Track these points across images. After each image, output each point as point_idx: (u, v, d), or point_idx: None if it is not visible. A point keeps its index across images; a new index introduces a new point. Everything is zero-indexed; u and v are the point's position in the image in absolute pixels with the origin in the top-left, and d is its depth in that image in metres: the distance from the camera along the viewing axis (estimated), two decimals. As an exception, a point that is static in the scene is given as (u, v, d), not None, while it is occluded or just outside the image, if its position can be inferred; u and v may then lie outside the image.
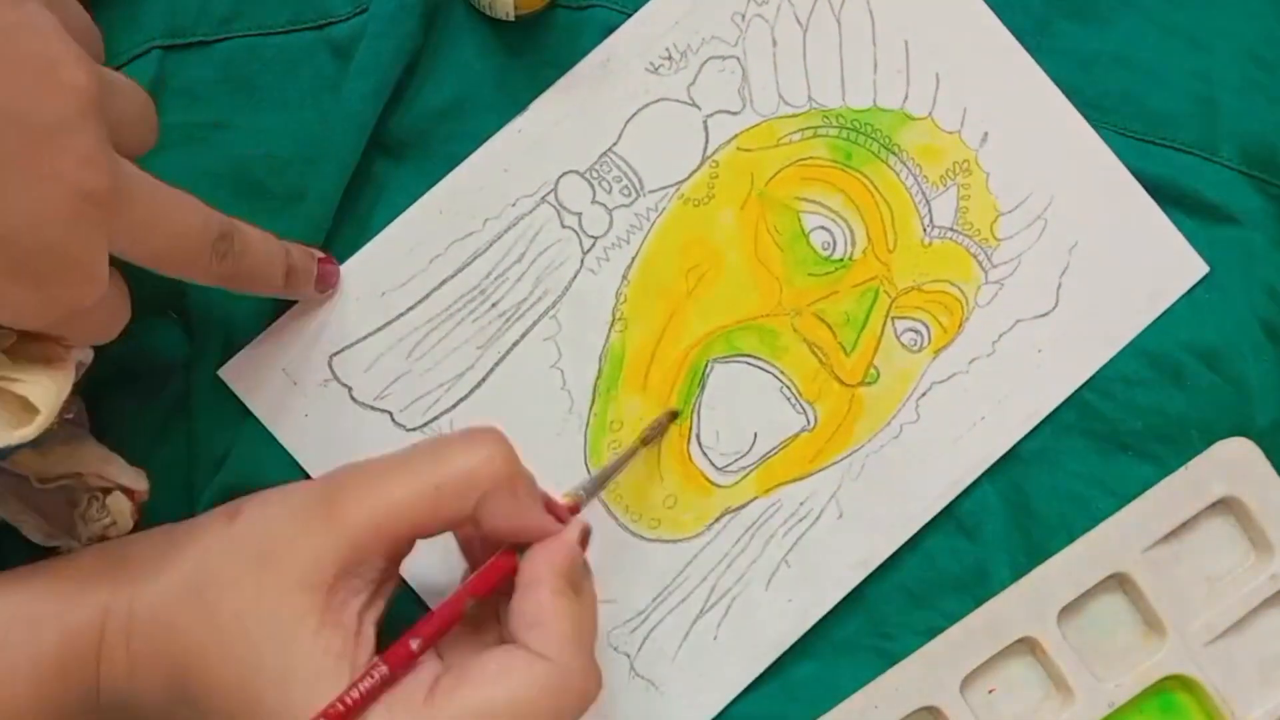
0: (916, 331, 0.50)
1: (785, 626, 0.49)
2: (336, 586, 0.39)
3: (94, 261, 0.37)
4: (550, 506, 0.42)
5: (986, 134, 0.50)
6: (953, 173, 0.50)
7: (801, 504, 0.49)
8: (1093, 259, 0.50)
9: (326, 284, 0.47)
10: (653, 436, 0.48)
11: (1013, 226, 0.50)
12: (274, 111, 0.48)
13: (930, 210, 0.50)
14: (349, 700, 0.37)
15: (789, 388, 0.49)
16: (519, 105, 0.49)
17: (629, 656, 0.49)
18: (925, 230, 0.50)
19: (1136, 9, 0.51)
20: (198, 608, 0.39)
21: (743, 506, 0.49)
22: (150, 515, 0.46)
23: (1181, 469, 0.50)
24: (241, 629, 0.38)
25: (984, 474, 0.49)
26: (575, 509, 0.43)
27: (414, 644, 0.39)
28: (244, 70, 0.48)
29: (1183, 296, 0.50)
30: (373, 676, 0.37)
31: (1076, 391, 0.50)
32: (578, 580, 0.41)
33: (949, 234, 0.50)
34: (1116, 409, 0.50)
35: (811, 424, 0.49)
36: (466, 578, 0.43)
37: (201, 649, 0.39)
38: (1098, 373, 0.50)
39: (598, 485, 0.45)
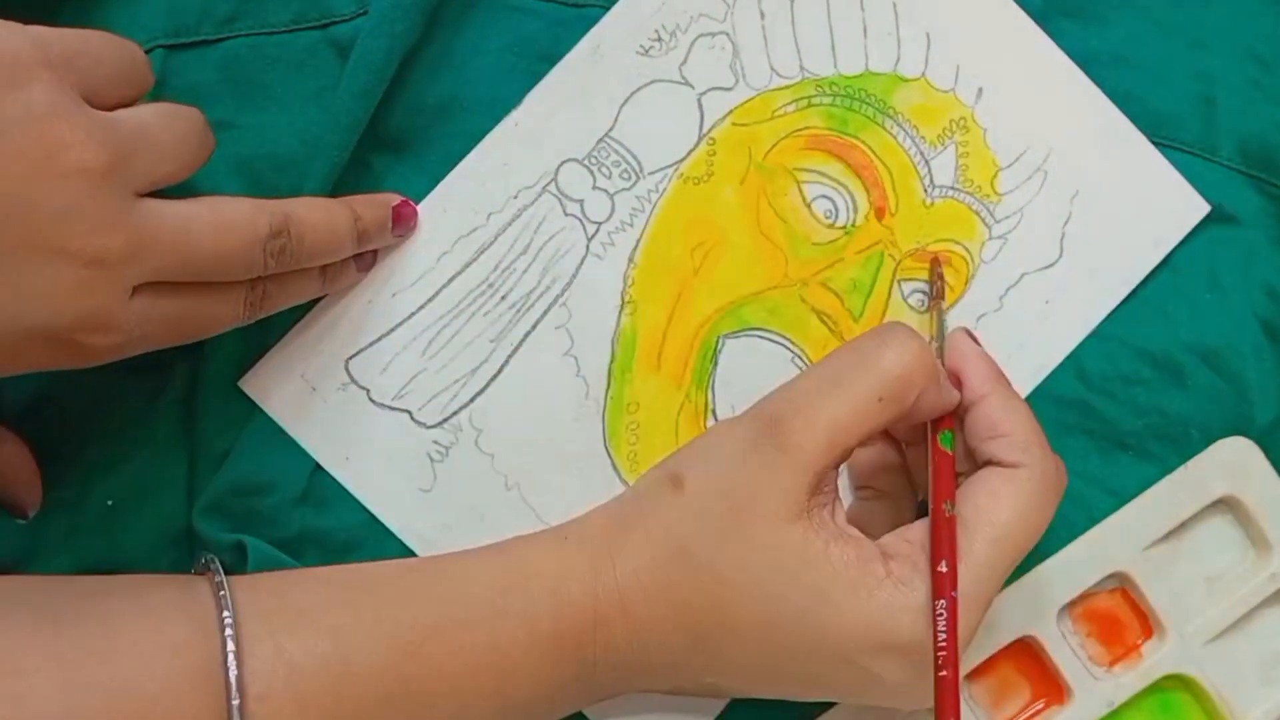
0: (923, 293, 0.50)
1: (815, 593, 0.49)
2: (811, 507, 0.41)
3: (111, 316, 0.38)
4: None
5: (981, 89, 0.50)
6: (950, 131, 0.50)
7: (822, 471, 0.49)
8: (1094, 207, 0.50)
9: (405, 227, 0.48)
10: (940, 290, 0.49)
11: (1013, 180, 0.50)
12: (278, 111, 0.48)
13: (930, 170, 0.50)
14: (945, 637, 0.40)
15: (801, 357, 0.49)
16: (516, 101, 0.49)
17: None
18: (926, 191, 0.50)
19: (1136, 8, 0.51)
20: (692, 568, 0.41)
21: (764, 478, 0.49)
22: (151, 512, 0.47)
23: (1181, 469, 0.50)
24: (749, 576, 0.41)
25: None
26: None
27: (943, 566, 0.41)
28: (247, 70, 0.48)
29: (1182, 296, 0.50)
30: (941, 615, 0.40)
31: (1077, 392, 0.50)
32: (1008, 380, 0.44)
33: (950, 192, 0.50)
34: (1116, 409, 0.50)
35: (826, 392, 0.49)
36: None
37: (710, 601, 0.41)
38: (1098, 373, 0.50)
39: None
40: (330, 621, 0.40)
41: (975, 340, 0.46)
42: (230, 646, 0.38)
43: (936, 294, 0.48)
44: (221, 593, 0.39)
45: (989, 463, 0.43)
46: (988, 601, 0.41)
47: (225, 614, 0.39)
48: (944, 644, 0.40)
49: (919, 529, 0.43)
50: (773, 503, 0.41)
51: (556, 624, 0.42)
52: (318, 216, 0.44)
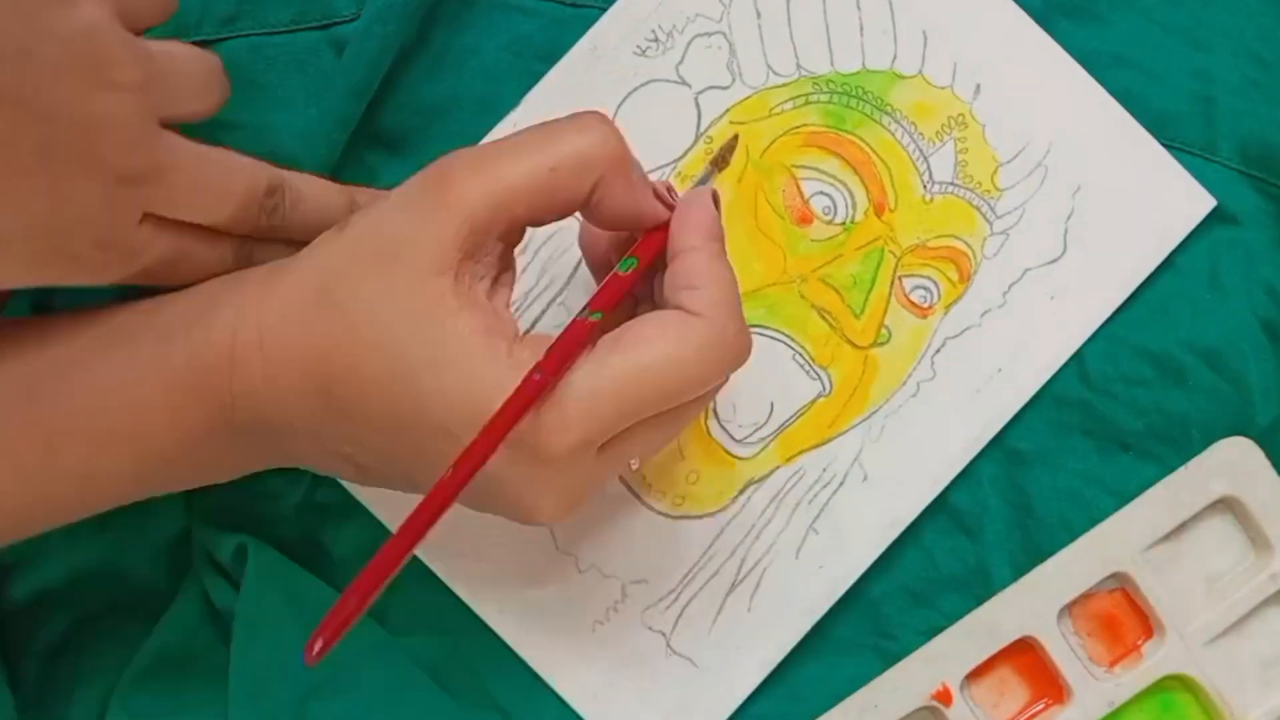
0: (925, 288, 0.50)
1: (819, 593, 0.49)
2: (462, 270, 0.39)
3: (122, 235, 0.39)
4: (657, 193, 0.42)
5: (979, 86, 0.50)
6: (948, 127, 0.50)
7: (824, 470, 0.49)
8: (1097, 202, 0.50)
9: None
10: (723, 159, 0.47)
11: (1014, 176, 0.50)
12: (278, 111, 0.48)
13: (929, 166, 0.50)
14: (551, 365, 0.37)
15: (801, 354, 0.49)
16: (512, 100, 0.49)
17: (664, 635, 0.49)
18: (925, 187, 0.50)
19: (1136, 8, 0.51)
20: (329, 310, 0.39)
21: (765, 477, 0.49)
22: (150, 513, 0.47)
23: (1181, 469, 0.49)
24: (379, 323, 0.39)
25: (985, 474, 0.49)
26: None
27: (590, 315, 0.39)
28: (248, 70, 0.48)
29: (1183, 296, 0.50)
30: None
31: (1077, 392, 0.49)
32: (724, 244, 0.42)
33: (950, 188, 0.50)
34: (1117, 409, 0.50)
35: (827, 389, 0.49)
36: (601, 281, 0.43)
37: (340, 348, 0.39)
38: (1099, 373, 0.49)
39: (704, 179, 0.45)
40: None
41: (717, 204, 0.43)
42: None
43: (714, 162, 0.46)
44: None
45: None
46: (603, 420, 0.38)
47: None
48: (500, 414, 0.36)
49: None
50: (418, 250, 0.38)
51: (191, 359, 0.40)
52: (313, 190, 0.44)
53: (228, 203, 0.41)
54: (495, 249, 0.40)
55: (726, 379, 0.42)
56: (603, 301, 0.40)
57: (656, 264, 0.42)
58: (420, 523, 0.35)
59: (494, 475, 0.38)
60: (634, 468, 0.42)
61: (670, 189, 0.43)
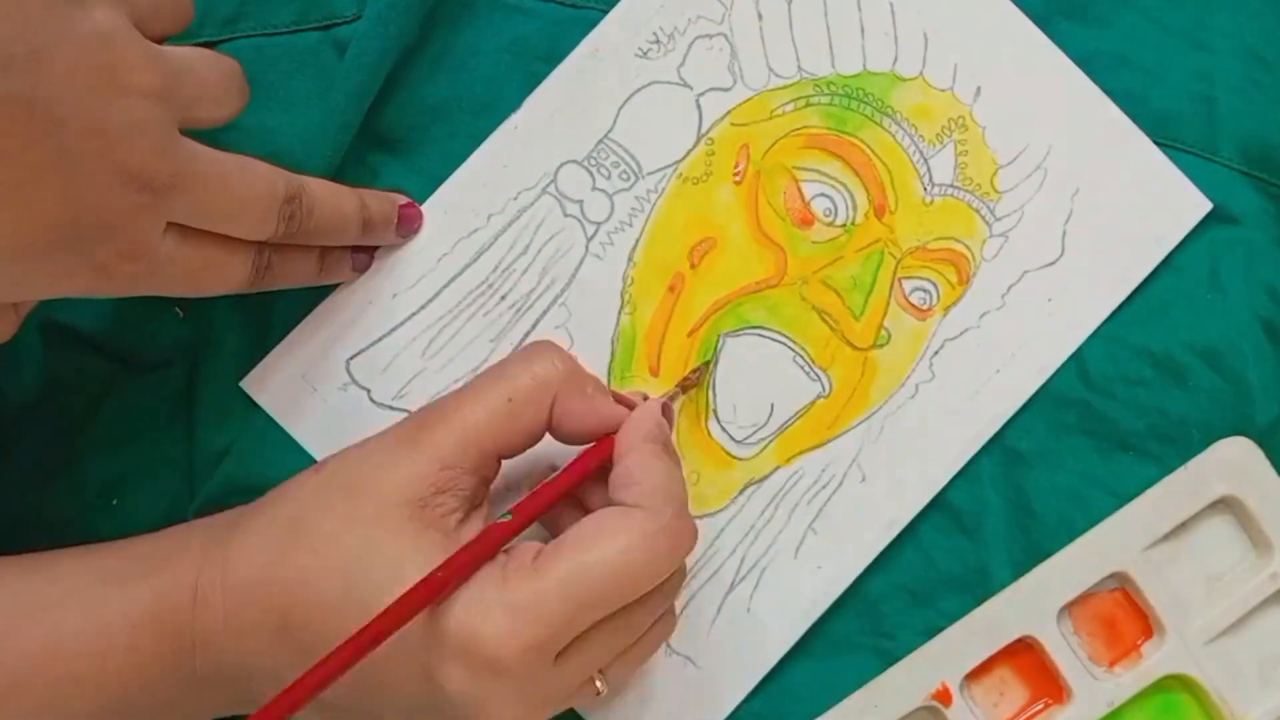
0: (925, 290, 0.50)
1: (817, 593, 0.49)
2: (430, 502, 0.41)
3: (146, 245, 0.39)
4: (620, 399, 0.45)
5: (979, 88, 0.50)
6: (949, 129, 0.50)
7: (823, 470, 0.49)
8: (1095, 205, 0.50)
9: (409, 228, 0.49)
10: (692, 383, 0.49)
11: (1013, 178, 0.50)
12: (280, 112, 0.48)
13: (929, 169, 0.50)
14: (456, 563, 0.39)
15: (801, 356, 0.49)
16: (511, 100, 0.49)
17: (664, 634, 0.49)
18: (926, 189, 0.50)
19: (1136, 8, 0.51)
20: (294, 539, 0.41)
21: (765, 477, 0.49)
22: (150, 509, 0.48)
23: (1181, 469, 0.50)
24: (340, 547, 0.40)
25: (984, 474, 0.50)
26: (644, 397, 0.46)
27: (510, 516, 0.41)
28: (250, 71, 0.47)
29: (1183, 296, 0.50)
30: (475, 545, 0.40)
31: (1078, 392, 0.50)
32: (666, 444, 0.44)
33: (950, 191, 0.50)
34: (1117, 409, 0.50)
35: (827, 390, 0.50)
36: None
37: (302, 573, 0.40)
38: (1099, 373, 0.50)
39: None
40: None
41: (667, 415, 0.45)
42: None
43: (682, 385, 0.48)
44: None
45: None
46: (551, 621, 0.39)
47: None
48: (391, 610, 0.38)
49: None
50: (388, 484, 0.41)
51: (156, 601, 0.41)
52: (327, 195, 0.45)
53: (250, 211, 0.41)
54: (468, 483, 0.42)
55: (681, 577, 0.44)
56: (532, 505, 0.42)
57: (601, 470, 0.44)
58: (314, 680, 0.37)
59: (456, 692, 0.39)
60: (600, 691, 0.43)
61: (645, 395, 0.46)
